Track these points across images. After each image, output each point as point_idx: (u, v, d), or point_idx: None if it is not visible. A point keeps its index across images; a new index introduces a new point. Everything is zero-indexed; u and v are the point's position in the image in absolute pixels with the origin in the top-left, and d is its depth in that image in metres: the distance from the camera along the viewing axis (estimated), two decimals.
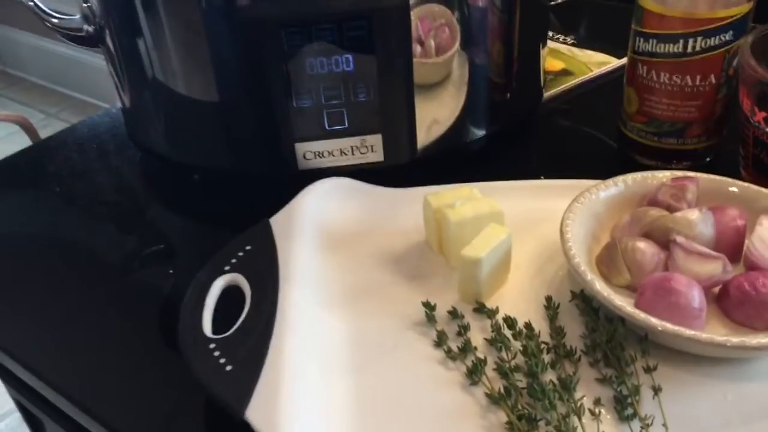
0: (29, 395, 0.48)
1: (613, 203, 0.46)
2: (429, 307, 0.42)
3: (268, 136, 0.51)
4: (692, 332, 0.37)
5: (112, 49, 0.54)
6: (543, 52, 0.59)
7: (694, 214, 0.42)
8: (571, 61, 0.70)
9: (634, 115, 0.54)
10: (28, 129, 1.46)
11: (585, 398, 0.36)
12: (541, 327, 0.40)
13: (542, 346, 0.39)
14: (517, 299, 0.43)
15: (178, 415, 0.40)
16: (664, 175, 0.46)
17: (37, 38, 2.31)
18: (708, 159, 0.55)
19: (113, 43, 0.53)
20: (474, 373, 0.38)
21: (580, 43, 0.74)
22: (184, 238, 0.54)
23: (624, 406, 0.36)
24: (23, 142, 1.20)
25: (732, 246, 0.43)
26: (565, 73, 0.69)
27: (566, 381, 0.36)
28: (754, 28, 0.49)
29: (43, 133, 1.49)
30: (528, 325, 0.40)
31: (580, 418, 0.35)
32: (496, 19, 0.52)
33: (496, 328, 0.40)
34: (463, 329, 0.40)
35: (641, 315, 0.38)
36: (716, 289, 0.41)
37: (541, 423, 0.35)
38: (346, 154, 0.51)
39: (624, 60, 0.57)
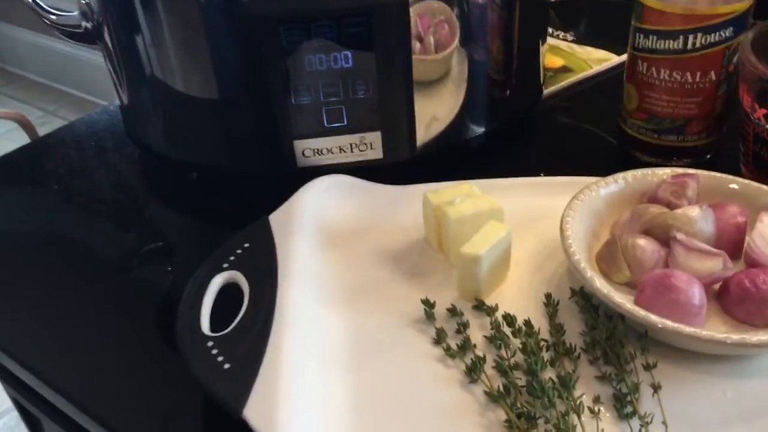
0: (27, 394, 0.48)
1: (613, 200, 0.46)
2: (428, 304, 0.42)
3: (266, 133, 0.51)
4: (692, 329, 0.36)
5: (110, 45, 0.54)
6: (543, 49, 0.59)
7: (694, 211, 0.42)
8: (571, 58, 0.70)
9: (634, 112, 0.54)
10: (27, 126, 1.46)
11: (584, 396, 0.36)
12: (541, 324, 0.40)
13: (542, 343, 0.39)
14: (517, 296, 0.43)
15: (177, 414, 0.40)
16: (665, 172, 0.46)
17: (36, 35, 2.31)
18: (708, 156, 0.54)
19: (111, 40, 0.53)
20: (473, 371, 0.38)
21: (579, 40, 0.74)
22: (182, 235, 0.54)
23: (623, 404, 0.36)
24: (21, 139, 1.20)
25: (732, 243, 0.43)
26: (565, 70, 0.68)
27: (565, 379, 0.36)
28: (754, 24, 0.49)
29: (42, 131, 1.49)
30: (527, 323, 0.40)
31: (579, 416, 0.35)
32: (496, 16, 0.51)
33: (496, 326, 0.40)
34: (463, 327, 0.40)
35: (641, 312, 0.37)
36: (716, 286, 0.41)
37: (541, 421, 0.35)
38: (345, 151, 0.51)
39: (624, 57, 0.57)
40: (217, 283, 0.42)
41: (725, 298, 0.40)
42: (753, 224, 0.42)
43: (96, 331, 0.45)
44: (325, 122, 0.50)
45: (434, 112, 0.52)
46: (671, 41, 0.49)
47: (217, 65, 0.49)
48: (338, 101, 0.49)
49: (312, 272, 0.43)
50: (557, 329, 0.40)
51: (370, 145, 0.51)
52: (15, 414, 0.59)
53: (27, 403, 0.52)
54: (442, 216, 0.44)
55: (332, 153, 0.51)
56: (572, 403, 0.35)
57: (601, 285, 0.39)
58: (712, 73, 0.50)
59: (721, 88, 0.51)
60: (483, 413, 0.36)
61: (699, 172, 0.46)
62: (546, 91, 0.64)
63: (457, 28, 0.50)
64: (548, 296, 0.42)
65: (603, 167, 0.48)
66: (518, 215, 0.46)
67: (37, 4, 0.57)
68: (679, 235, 0.41)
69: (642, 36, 0.51)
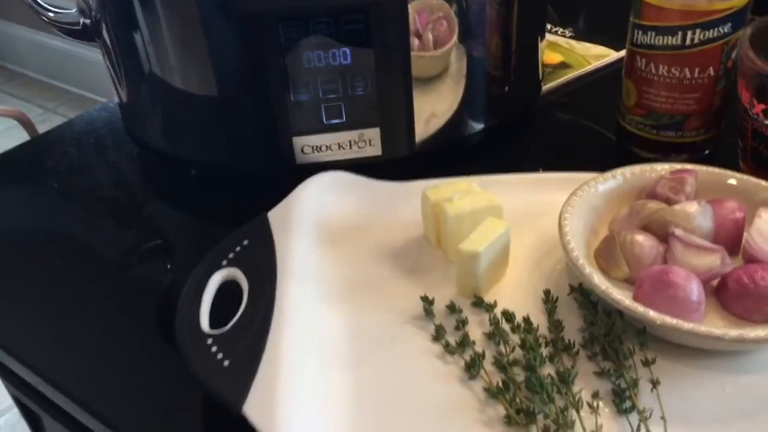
0: (27, 391, 0.48)
1: (611, 196, 0.46)
2: (427, 301, 0.42)
3: (265, 130, 0.51)
4: (691, 325, 0.36)
5: (108, 43, 0.54)
6: (541, 45, 0.59)
7: (692, 207, 0.42)
8: (570, 54, 0.70)
9: (632, 107, 0.54)
10: (26, 124, 1.46)
11: (583, 391, 0.36)
12: (540, 321, 0.40)
13: (540, 339, 0.39)
14: (516, 293, 0.43)
15: (176, 411, 0.40)
16: (663, 168, 0.46)
17: (35, 33, 2.31)
18: (707, 151, 0.54)
19: (109, 37, 0.53)
20: (472, 367, 0.38)
21: (578, 36, 0.73)
22: (181, 233, 0.54)
23: (622, 400, 0.36)
24: (21, 137, 1.20)
25: (731, 238, 0.43)
26: (564, 66, 0.68)
27: (564, 374, 0.36)
28: (752, 19, 0.49)
29: (41, 128, 1.49)
30: (526, 319, 0.40)
31: (578, 412, 0.35)
32: (494, 12, 0.51)
33: (495, 322, 0.40)
34: (462, 323, 0.40)
35: (640, 308, 0.38)
36: (715, 282, 0.41)
37: (540, 416, 0.35)
38: (344, 148, 0.51)
39: (622, 53, 0.57)
40: (216, 280, 0.42)
41: (723, 293, 0.40)
42: (751, 220, 0.42)
43: (96, 328, 0.45)
44: (324, 119, 0.50)
45: (433, 109, 0.52)
46: (670, 37, 0.49)
47: (215, 62, 0.49)
48: (337, 98, 0.49)
49: (311, 269, 0.43)
50: (556, 325, 0.40)
51: (369, 142, 0.51)
52: (16, 411, 0.60)
53: (27, 401, 0.52)
54: (440, 213, 0.44)
55: (331, 150, 0.51)
56: (571, 398, 0.35)
57: (599, 281, 0.39)
58: (711, 68, 0.50)
59: (720, 83, 0.51)
60: (482, 409, 0.36)
61: (697, 167, 0.46)
62: (545, 88, 0.64)
63: (455, 24, 0.50)
64: (547, 292, 0.42)
65: (601, 163, 0.48)
66: (517, 212, 0.46)
67: (36, 2, 0.57)
68: (678, 231, 0.41)
69: (640, 32, 0.51)
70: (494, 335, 0.39)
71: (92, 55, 2.13)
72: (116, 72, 0.55)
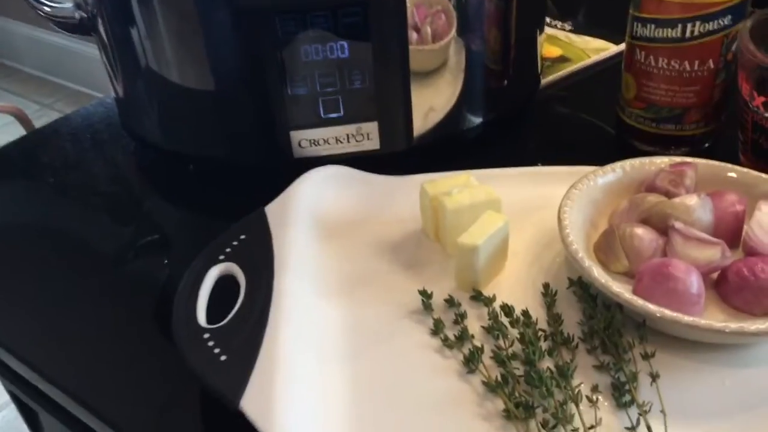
0: (23, 387, 0.48)
1: (611, 189, 0.46)
2: (426, 295, 0.42)
3: (263, 124, 0.50)
4: (690, 318, 0.36)
5: (104, 37, 0.53)
6: (540, 39, 0.59)
7: (692, 200, 0.42)
8: (569, 48, 0.70)
9: (632, 101, 0.54)
10: (23, 120, 1.45)
11: (582, 385, 0.36)
12: (539, 314, 0.40)
13: (539, 333, 0.39)
14: (515, 287, 0.43)
15: (173, 406, 0.40)
16: (663, 161, 0.46)
17: (31, 28, 2.30)
18: (706, 144, 0.54)
19: (105, 31, 0.53)
20: (471, 361, 0.38)
21: (577, 29, 0.73)
22: (178, 227, 0.54)
23: (621, 393, 0.36)
24: (18, 133, 1.19)
25: (731, 231, 0.42)
26: (563, 59, 0.68)
27: (563, 368, 0.36)
28: (752, 12, 0.49)
29: (38, 124, 1.49)
30: (525, 313, 0.40)
31: (577, 405, 0.35)
32: (493, 5, 0.51)
33: (493, 316, 0.40)
34: (460, 317, 0.40)
35: (639, 301, 0.37)
36: (715, 275, 0.41)
37: (539, 410, 0.35)
38: (341, 142, 0.51)
39: (622, 46, 0.56)
40: (213, 275, 0.42)
41: (723, 286, 0.40)
42: (751, 213, 0.42)
43: (92, 323, 0.45)
44: (322, 113, 0.50)
45: (431, 103, 0.52)
46: (669, 30, 0.49)
47: (212, 56, 0.48)
48: (335, 91, 0.49)
49: (309, 263, 0.43)
50: (555, 319, 0.40)
51: (367, 136, 0.51)
52: (13, 408, 0.59)
53: (24, 396, 0.52)
54: (439, 206, 0.44)
55: (329, 144, 0.51)
56: (570, 392, 0.35)
57: (599, 274, 0.39)
58: (711, 61, 0.50)
59: (720, 76, 0.51)
60: (481, 403, 0.36)
61: (697, 160, 0.46)
62: (544, 81, 0.64)
63: (454, 18, 0.49)
64: (546, 286, 0.41)
65: (601, 156, 0.48)
66: (516, 205, 0.46)
67: None
68: (678, 224, 0.41)
69: (640, 25, 0.51)
70: (493, 329, 0.39)
71: (89, 50, 2.12)
72: (112, 67, 0.55)
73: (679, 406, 0.35)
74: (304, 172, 0.49)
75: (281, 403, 0.34)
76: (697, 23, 0.48)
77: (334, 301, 0.42)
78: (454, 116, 0.53)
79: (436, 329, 0.40)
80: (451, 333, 0.40)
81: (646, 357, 0.37)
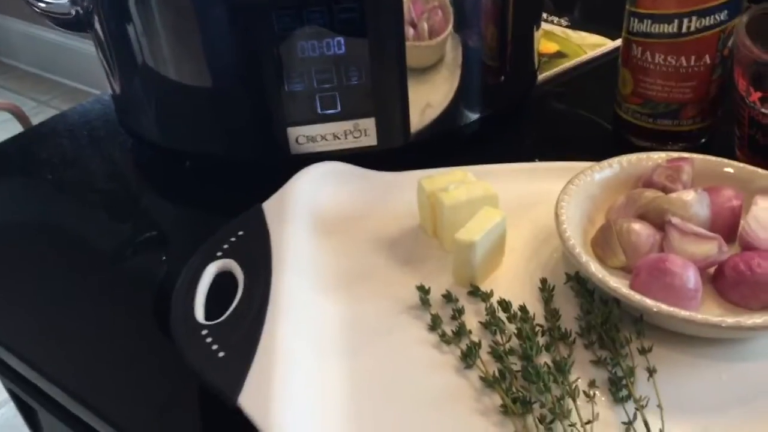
0: (22, 385, 0.48)
1: (608, 185, 0.46)
2: (423, 290, 0.42)
3: (260, 120, 0.50)
4: (687, 313, 0.36)
5: (100, 33, 0.53)
6: (537, 35, 0.59)
7: (689, 195, 0.42)
8: (566, 43, 0.70)
9: (629, 96, 0.54)
10: (21, 117, 1.45)
11: (580, 380, 0.36)
12: (536, 310, 0.40)
13: (537, 328, 0.39)
14: (512, 282, 0.43)
15: (172, 403, 0.40)
16: (659, 157, 0.46)
17: (28, 25, 2.29)
18: (703, 140, 0.54)
19: (102, 27, 0.52)
20: (468, 357, 0.38)
21: (574, 25, 0.73)
22: (176, 224, 0.54)
23: (619, 388, 0.36)
24: (15, 130, 1.19)
25: (727, 226, 0.43)
26: (560, 55, 0.68)
27: (561, 363, 0.36)
28: (749, 7, 0.49)
29: (35, 121, 1.48)
30: (523, 308, 0.40)
31: (574, 401, 0.35)
32: (490, 2, 0.51)
33: (491, 312, 0.40)
34: (458, 313, 0.40)
35: (636, 296, 0.37)
36: (711, 270, 0.41)
37: (536, 405, 0.35)
38: (339, 138, 0.51)
39: (619, 41, 0.57)
40: (211, 271, 0.42)
41: (720, 281, 0.40)
42: (748, 208, 0.42)
43: (91, 321, 0.45)
44: (319, 109, 0.50)
45: (428, 99, 0.52)
46: (666, 25, 0.49)
47: (209, 53, 0.48)
48: (332, 88, 0.49)
49: (306, 259, 0.43)
50: (552, 314, 0.40)
51: (364, 132, 0.51)
52: (12, 405, 0.59)
53: (23, 394, 0.52)
54: (436, 202, 0.44)
55: (326, 140, 0.51)
56: (567, 387, 0.35)
57: (596, 270, 0.39)
58: (707, 57, 0.50)
59: (716, 72, 0.51)
60: (478, 398, 0.36)
61: (694, 156, 0.46)
62: (540, 77, 0.64)
63: (450, 13, 0.49)
64: (543, 281, 0.42)
65: (598, 152, 0.48)
66: (513, 201, 0.46)
67: None
68: (674, 219, 0.41)
69: (636, 20, 0.51)
70: (490, 324, 0.39)
71: (85, 47, 2.12)
72: (109, 63, 0.55)
73: (676, 400, 0.35)
74: (302, 169, 0.49)
75: (279, 400, 0.34)
76: (694, 19, 0.48)
77: (332, 297, 0.42)
78: (451, 112, 0.53)
79: (434, 325, 0.40)
80: (448, 328, 0.40)
81: (643, 352, 0.37)
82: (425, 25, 0.49)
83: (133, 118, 0.57)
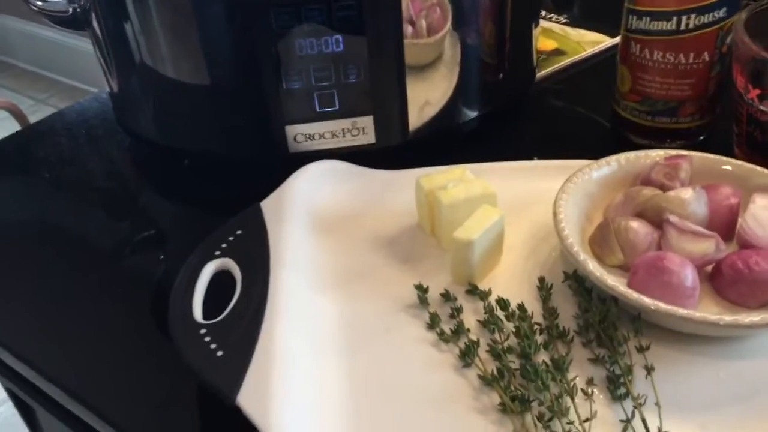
0: (20, 383, 0.48)
1: (606, 183, 0.46)
2: (421, 289, 0.42)
3: (258, 119, 0.50)
4: (685, 311, 0.36)
5: (98, 31, 0.53)
6: (535, 32, 0.59)
7: (687, 193, 0.42)
8: (564, 41, 0.70)
9: (627, 94, 0.54)
10: (18, 115, 1.45)
11: (578, 378, 0.36)
12: (534, 308, 0.40)
13: (535, 327, 0.39)
14: (510, 281, 0.43)
15: (171, 402, 0.40)
16: (658, 154, 0.46)
17: (25, 23, 2.29)
18: (701, 137, 0.54)
19: (99, 25, 0.52)
20: (467, 355, 0.38)
21: (572, 23, 0.73)
22: (175, 223, 0.54)
23: (617, 386, 0.36)
24: (13, 128, 1.19)
25: (725, 224, 0.43)
26: (558, 52, 0.68)
27: (559, 362, 0.36)
28: (747, 4, 0.49)
29: (33, 119, 1.48)
30: (521, 307, 0.40)
31: (572, 399, 0.35)
32: None
33: (489, 310, 0.40)
34: (456, 311, 0.40)
35: (634, 294, 0.37)
36: (709, 268, 0.41)
37: (534, 404, 0.35)
38: (337, 136, 0.51)
39: (617, 39, 0.56)
40: (209, 270, 0.42)
41: (718, 279, 0.40)
42: (746, 205, 0.42)
43: (89, 320, 0.45)
44: (317, 107, 0.50)
45: (427, 96, 0.52)
46: (664, 22, 0.49)
47: (207, 50, 0.48)
48: (330, 86, 0.49)
49: (305, 258, 0.43)
50: (551, 312, 0.40)
51: (363, 130, 0.51)
52: (11, 404, 0.59)
53: (21, 393, 0.52)
54: (434, 201, 0.44)
55: (324, 138, 0.51)
56: (566, 385, 0.35)
57: (594, 268, 0.39)
58: (706, 54, 0.50)
59: (715, 69, 0.51)
60: (477, 397, 0.36)
61: (692, 153, 0.46)
62: (539, 74, 0.64)
63: (449, 11, 0.49)
64: (541, 280, 0.42)
65: (596, 150, 0.48)
66: (511, 199, 0.46)
67: None
68: (672, 218, 0.41)
69: (635, 17, 0.51)
70: (489, 323, 0.39)
71: (83, 45, 2.12)
72: (106, 61, 0.55)
73: (674, 398, 0.36)
74: (300, 167, 0.49)
75: (278, 398, 0.34)
76: (692, 16, 0.48)
77: (330, 295, 0.42)
78: (449, 110, 0.53)
79: (432, 323, 0.40)
80: (447, 327, 0.40)
81: (641, 350, 0.37)
82: (423, 23, 0.49)
83: (131, 117, 0.57)
